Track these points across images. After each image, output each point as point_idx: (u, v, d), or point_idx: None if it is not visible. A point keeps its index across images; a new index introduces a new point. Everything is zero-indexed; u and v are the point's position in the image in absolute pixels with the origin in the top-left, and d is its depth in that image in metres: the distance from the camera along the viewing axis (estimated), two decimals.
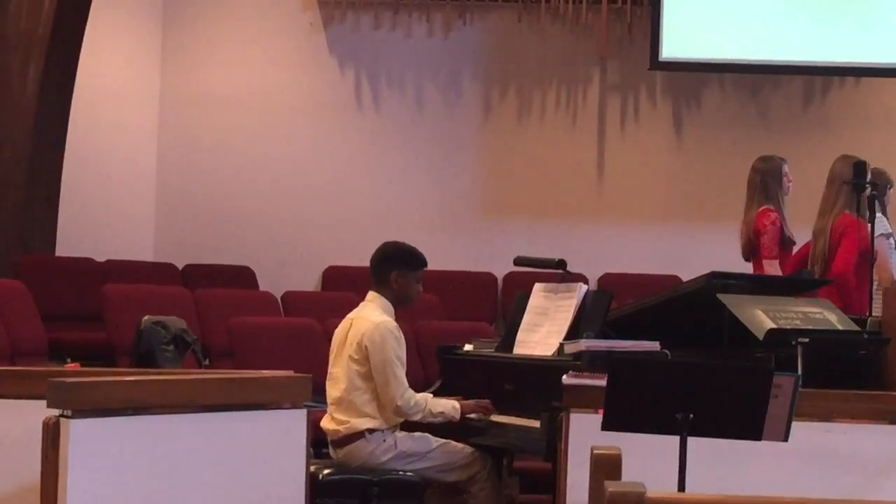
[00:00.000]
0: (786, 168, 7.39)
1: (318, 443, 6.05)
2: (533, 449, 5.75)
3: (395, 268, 6.03)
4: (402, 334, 5.97)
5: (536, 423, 5.54)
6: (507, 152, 11.06)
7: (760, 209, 7.29)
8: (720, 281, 5.64)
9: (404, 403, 5.83)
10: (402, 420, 5.93)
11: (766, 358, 5.51)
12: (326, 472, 5.80)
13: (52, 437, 3.86)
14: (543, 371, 5.64)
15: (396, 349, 5.89)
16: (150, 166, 11.13)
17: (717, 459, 4.54)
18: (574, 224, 10.89)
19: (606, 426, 4.17)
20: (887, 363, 5.60)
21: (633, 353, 5.44)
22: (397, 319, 6.03)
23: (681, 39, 10.53)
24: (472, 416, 5.97)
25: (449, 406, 5.92)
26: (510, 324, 6.26)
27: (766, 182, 7.33)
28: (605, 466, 3.70)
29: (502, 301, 10.62)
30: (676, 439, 4.09)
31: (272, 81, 11.11)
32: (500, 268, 10.56)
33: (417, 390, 6.02)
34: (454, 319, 9.28)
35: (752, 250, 7.33)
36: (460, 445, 5.98)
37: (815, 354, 5.32)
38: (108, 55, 10.64)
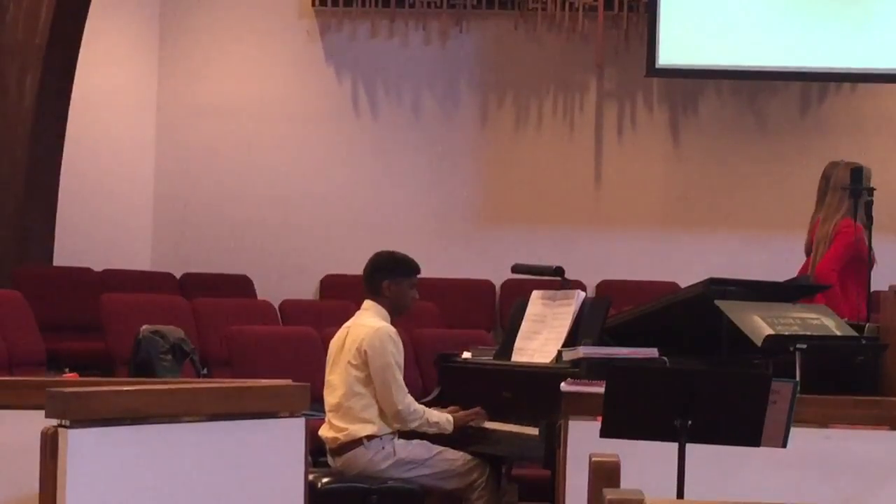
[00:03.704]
0: None
1: (316, 451, 6.05)
2: (532, 456, 5.75)
3: (386, 277, 6.03)
4: (400, 340, 5.97)
5: (535, 431, 5.54)
6: (505, 160, 11.05)
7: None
8: (718, 287, 5.64)
9: (405, 408, 5.83)
10: (400, 427, 5.93)
11: (765, 364, 5.52)
12: (325, 480, 5.80)
13: (50, 447, 3.86)
14: (542, 378, 5.63)
15: (395, 354, 5.89)
16: (148, 175, 11.12)
17: (716, 466, 4.54)
18: (572, 231, 10.88)
19: (605, 433, 4.18)
20: (885, 369, 5.60)
21: (631, 360, 5.44)
22: (395, 326, 6.03)
23: (677, 46, 10.53)
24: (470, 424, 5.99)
25: (444, 419, 5.93)
26: (508, 331, 6.25)
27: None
28: (604, 473, 3.70)
29: (500, 309, 10.61)
30: (675, 446, 4.09)
31: (269, 90, 11.11)
32: (498, 275, 10.55)
33: (416, 398, 6.02)
34: (452, 327, 9.27)
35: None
36: (459, 453, 5.97)
37: (814, 360, 5.31)
38: (105, 65, 10.63)
